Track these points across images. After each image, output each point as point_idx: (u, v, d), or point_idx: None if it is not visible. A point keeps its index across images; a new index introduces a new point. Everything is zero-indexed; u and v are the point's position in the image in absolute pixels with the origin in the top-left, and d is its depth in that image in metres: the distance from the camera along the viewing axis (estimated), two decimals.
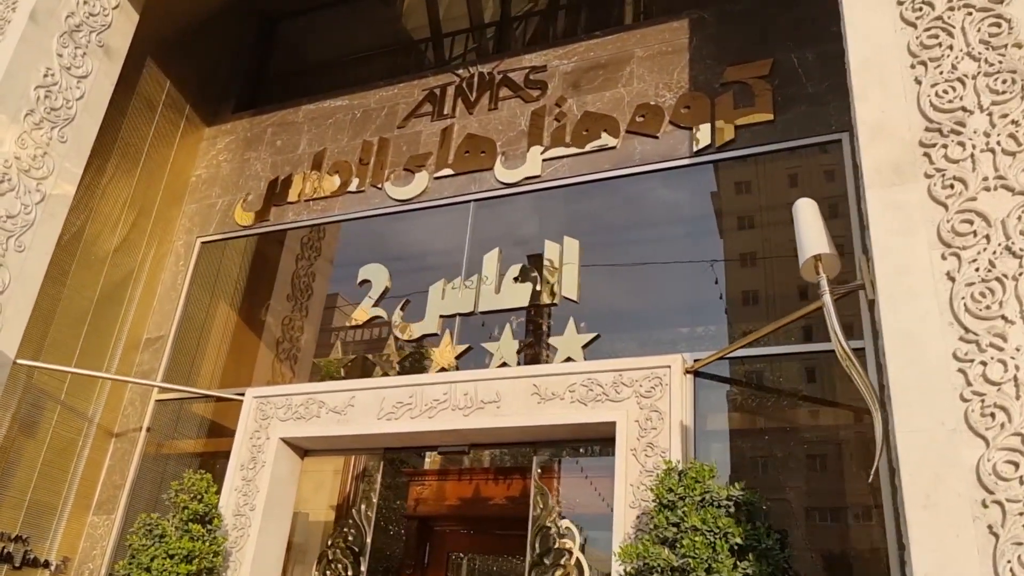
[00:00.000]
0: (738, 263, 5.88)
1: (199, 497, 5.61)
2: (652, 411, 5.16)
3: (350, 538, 6.05)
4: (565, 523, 5.38)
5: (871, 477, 3.23)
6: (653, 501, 4.35)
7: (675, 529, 4.13)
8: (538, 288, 6.10)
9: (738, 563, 3.92)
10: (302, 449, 6.41)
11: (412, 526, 7.85)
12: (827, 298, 3.38)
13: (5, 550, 6.02)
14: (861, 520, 4.83)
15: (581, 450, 5.74)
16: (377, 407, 5.97)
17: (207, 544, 5.46)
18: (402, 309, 6.55)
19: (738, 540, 3.99)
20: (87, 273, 7.02)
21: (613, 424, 5.23)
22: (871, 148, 3.29)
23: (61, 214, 6.42)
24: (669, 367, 5.24)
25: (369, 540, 5.95)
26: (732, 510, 4.13)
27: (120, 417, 7.06)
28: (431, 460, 8.29)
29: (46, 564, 6.30)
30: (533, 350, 5.98)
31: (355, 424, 6.00)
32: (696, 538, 4.02)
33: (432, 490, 8.10)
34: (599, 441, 5.53)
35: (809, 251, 3.47)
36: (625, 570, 4.30)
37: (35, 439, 6.40)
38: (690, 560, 3.96)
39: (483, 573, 7.85)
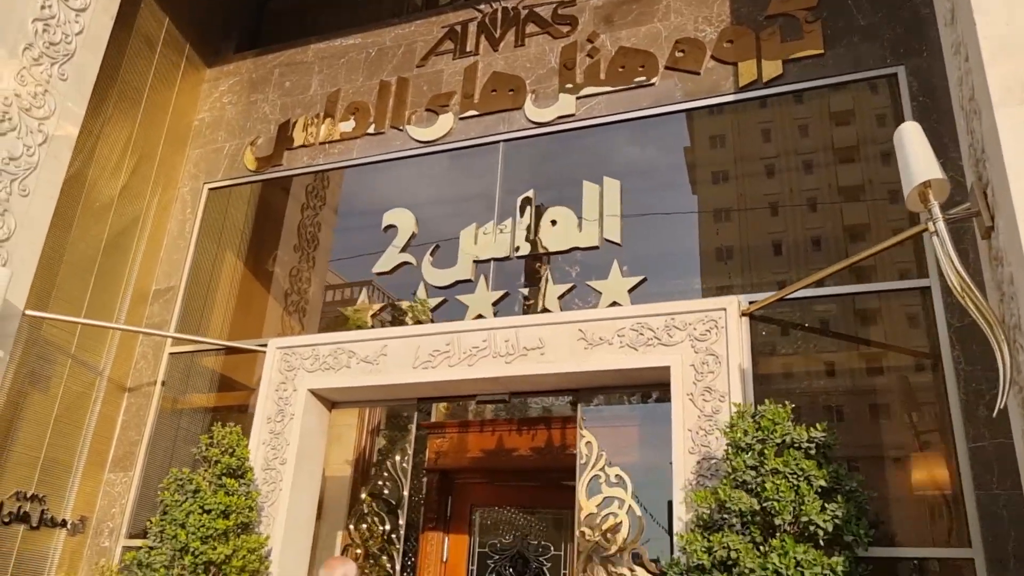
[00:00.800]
0: (805, 206, 5.68)
1: (230, 451, 5.36)
2: (708, 355, 4.99)
3: (385, 491, 5.85)
4: (615, 471, 5.22)
5: (995, 413, 3.07)
6: (727, 445, 4.19)
7: (753, 473, 3.97)
8: (578, 231, 5.86)
9: (825, 505, 3.78)
10: (330, 401, 6.16)
11: (433, 479, 7.69)
12: (941, 226, 3.19)
13: (21, 510, 5.73)
14: (924, 464, 4.73)
15: (627, 397, 5.57)
16: (412, 356, 5.73)
17: (242, 498, 5.22)
18: (432, 255, 6.28)
19: (822, 482, 3.85)
20: (91, 221, 6.64)
21: (667, 369, 5.06)
22: (995, 65, 3.07)
23: (65, 156, 6.04)
24: (724, 309, 5.07)
25: (406, 493, 5.75)
26: (812, 452, 3.99)
27: (132, 371, 6.75)
28: (439, 412, 8.11)
29: (63, 523, 6.02)
30: (574, 295, 5.76)
31: (388, 374, 5.76)
32: (779, 481, 3.87)
33: (452, 442, 7.93)
34: (650, 387, 5.36)
35: (918, 178, 3.27)
36: (698, 514, 4.15)
37: (46, 394, 6.07)
38: (774, 504, 3.81)
39: (508, 525, 7.72)
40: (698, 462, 4.73)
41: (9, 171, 5.60)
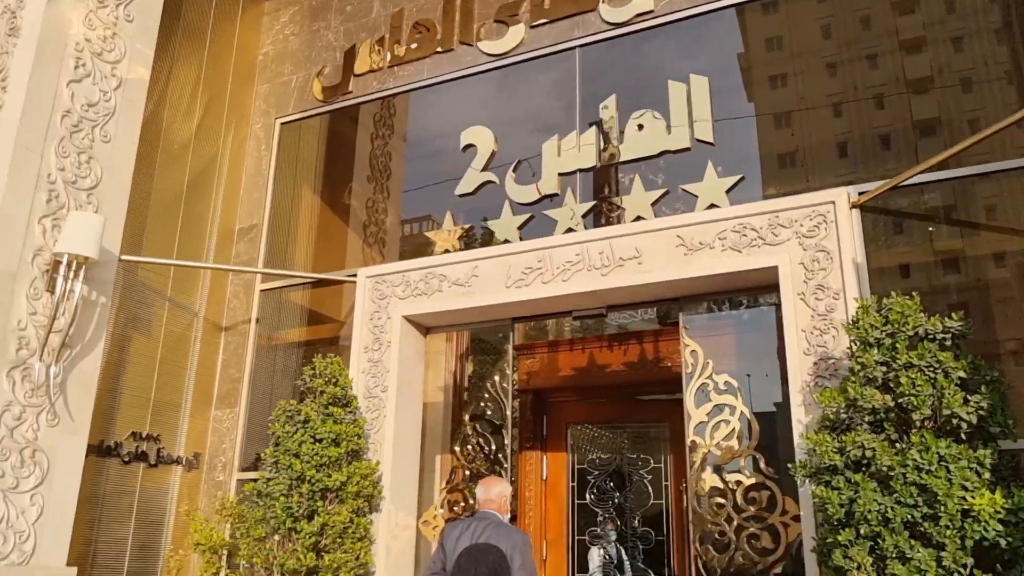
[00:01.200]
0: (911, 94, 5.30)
1: (334, 381, 5.39)
2: (818, 251, 4.75)
3: (487, 412, 5.83)
4: (723, 378, 5.07)
5: None
6: (852, 342, 3.99)
7: (884, 368, 3.77)
8: (667, 134, 5.60)
9: (967, 397, 3.58)
10: (424, 327, 6.13)
11: (526, 400, 7.69)
12: None
13: (139, 449, 5.91)
14: None
15: (731, 302, 5.39)
16: (504, 275, 5.62)
17: (350, 426, 5.26)
18: (514, 172, 6.10)
19: (961, 373, 3.64)
20: (171, 164, 6.64)
21: (774, 269, 4.84)
22: None
23: (139, 99, 5.99)
24: (833, 203, 4.79)
25: (509, 412, 5.73)
26: (947, 343, 3.76)
27: (226, 311, 6.83)
28: (521, 334, 8.05)
29: (178, 460, 6.21)
30: (665, 203, 5.54)
31: (481, 295, 5.68)
32: (914, 375, 3.67)
33: (543, 363, 7.89)
34: (756, 290, 5.16)
35: None
36: (824, 414, 3.99)
37: (149, 337, 6.19)
38: (911, 399, 3.62)
39: (604, 441, 7.71)
40: (815, 363, 4.55)
41: (89, 118, 5.59)
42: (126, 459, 5.81)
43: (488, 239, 6.06)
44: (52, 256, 5.15)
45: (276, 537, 4.99)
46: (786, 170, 5.54)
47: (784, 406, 4.76)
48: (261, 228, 7.01)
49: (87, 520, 5.40)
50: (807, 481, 4.00)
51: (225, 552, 5.52)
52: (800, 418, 4.48)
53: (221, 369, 6.64)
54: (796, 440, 4.42)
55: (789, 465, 4.10)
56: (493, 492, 4.35)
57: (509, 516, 4.50)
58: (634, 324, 7.50)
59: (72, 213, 5.20)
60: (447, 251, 6.12)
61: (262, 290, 6.81)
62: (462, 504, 5.72)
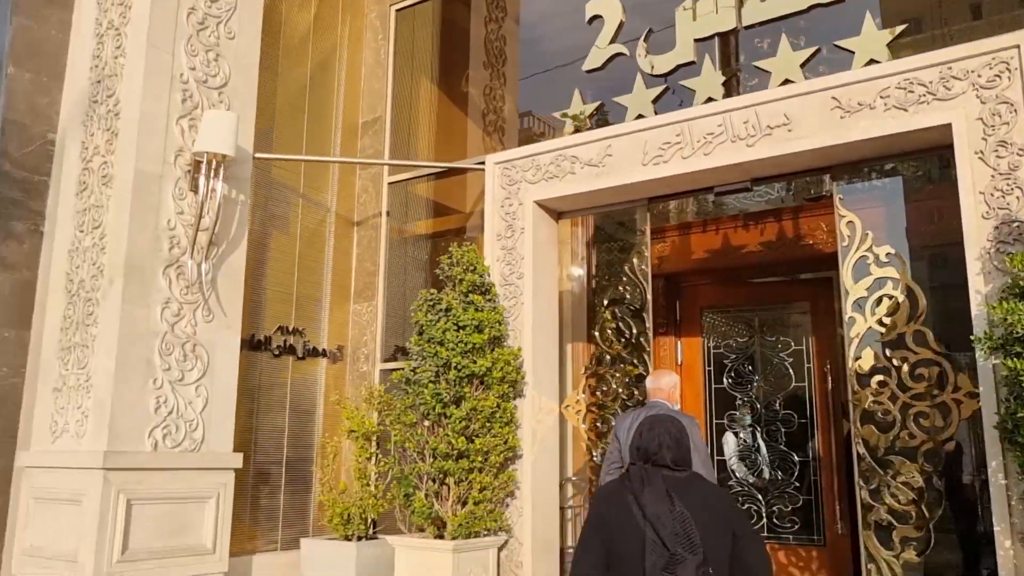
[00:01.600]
0: None
1: (472, 268, 5.34)
2: (999, 103, 4.25)
3: (627, 296, 5.69)
4: (884, 249, 4.71)
5: None
6: None
7: None
8: None
9: None
10: (556, 211, 5.97)
11: (658, 284, 7.48)
12: None
13: (287, 342, 6.11)
14: None
15: (893, 168, 4.97)
16: (640, 152, 5.35)
17: (491, 313, 5.23)
18: (645, 42, 5.73)
19: None
20: (292, 60, 6.59)
21: (946, 127, 4.38)
22: None
23: None
24: (1017, 47, 4.25)
25: (649, 296, 5.56)
26: None
27: (357, 205, 6.87)
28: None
29: (323, 352, 6.39)
30: (811, 65, 5.09)
31: (616, 174, 5.44)
32: None
33: (674, 246, 7.64)
34: (923, 152, 4.72)
35: None
36: (1013, 281, 3.64)
37: (286, 233, 6.30)
38: None
39: (741, 324, 7.48)
40: (995, 227, 4.14)
41: (213, 14, 5.55)
42: (275, 352, 6.02)
43: (621, 115, 5.75)
44: (192, 156, 5.22)
45: (426, 423, 5.08)
46: (955, 18, 4.97)
47: (954, 277, 4.40)
48: (384, 120, 6.94)
49: (246, 411, 5.66)
50: (991, 354, 3.70)
51: (375, 438, 5.69)
52: (979, 288, 4.12)
53: (356, 263, 6.73)
54: (974, 311, 4.09)
55: (972, 337, 3.80)
56: (663, 382, 4.37)
57: (679, 406, 4.45)
58: (772, 201, 7.10)
59: (207, 112, 5.23)
60: (577, 131, 5.88)
61: (389, 183, 6.79)
62: (604, 389, 5.67)
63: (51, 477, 4.83)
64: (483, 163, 6.07)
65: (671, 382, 4.34)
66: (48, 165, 5.65)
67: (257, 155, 5.73)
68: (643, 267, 5.60)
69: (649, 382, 4.44)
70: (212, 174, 5.09)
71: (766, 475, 7.18)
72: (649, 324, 5.53)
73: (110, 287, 4.85)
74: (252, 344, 5.83)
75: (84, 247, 5.10)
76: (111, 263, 4.88)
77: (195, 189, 5.17)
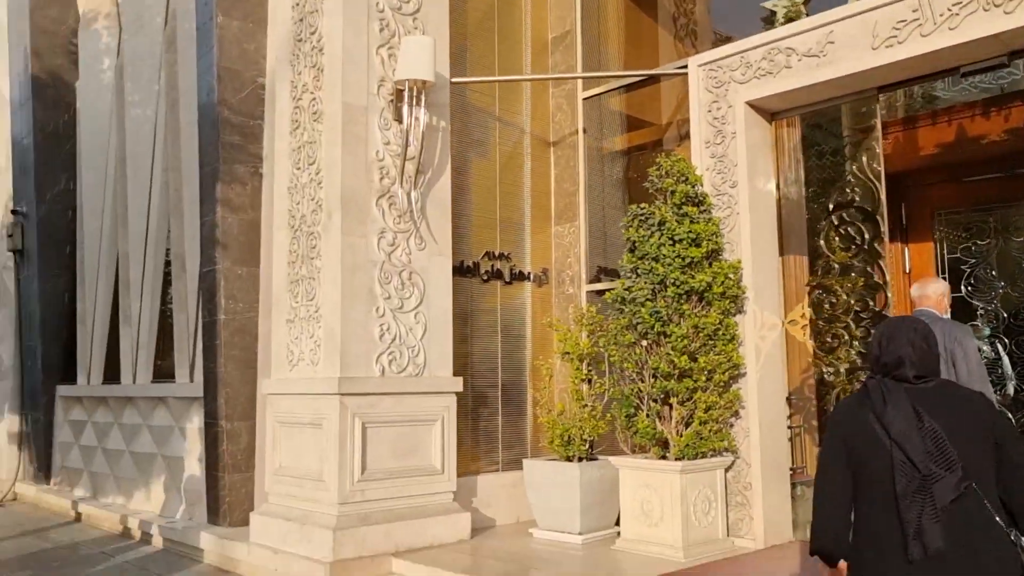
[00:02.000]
0: None
1: (683, 178, 5.04)
2: None
3: (856, 198, 5.18)
4: None
5: None
6: None
7: None
8: None
9: None
10: (769, 112, 5.50)
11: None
12: None
13: (495, 267, 6.11)
14: None
15: None
16: (868, 36, 4.76)
17: (708, 224, 4.93)
18: None
19: None
20: None
21: None
22: None
23: None
24: None
25: (883, 197, 5.03)
26: None
27: (552, 124, 6.69)
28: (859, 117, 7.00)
29: (528, 276, 6.35)
30: None
31: (841, 64, 4.88)
32: None
33: (898, 143, 6.90)
34: None
35: None
36: None
37: (485, 158, 6.25)
38: None
39: (979, 226, 6.68)
40: None
41: None
42: (484, 278, 6.05)
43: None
44: (393, 85, 5.22)
45: (644, 343, 4.91)
46: None
47: None
48: (575, 33, 6.65)
49: (460, 336, 5.73)
50: None
51: (587, 359, 5.60)
52: None
53: (555, 184, 6.58)
54: None
55: None
56: (929, 289, 4.11)
57: (948, 315, 4.08)
58: (1019, 82, 6.19)
59: (404, 38, 5.19)
60: (789, 21, 5.33)
61: (584, 98, 6.54)
62: (832, 301, 5.24)
63: (292, 402, 5.13)
64: (685, 67, 5.67)
65: (938, 289, 3.98)
66: (261, 108, 5.88)
67: (454, 80, 5.66)
68: (875, 165, 5.06)
69: (914, 290, 4.13)
70: (414, 102, 5.07)
71: (1010, 391, 6.48)
72: (885, 228, 5.01)
73: (329, 220, 4.99)
74: (461, 270, 5.87)
75: (302, 183, 5.27)
76: (328, 197, 5.01)
77: (399, 118, 5.18)
